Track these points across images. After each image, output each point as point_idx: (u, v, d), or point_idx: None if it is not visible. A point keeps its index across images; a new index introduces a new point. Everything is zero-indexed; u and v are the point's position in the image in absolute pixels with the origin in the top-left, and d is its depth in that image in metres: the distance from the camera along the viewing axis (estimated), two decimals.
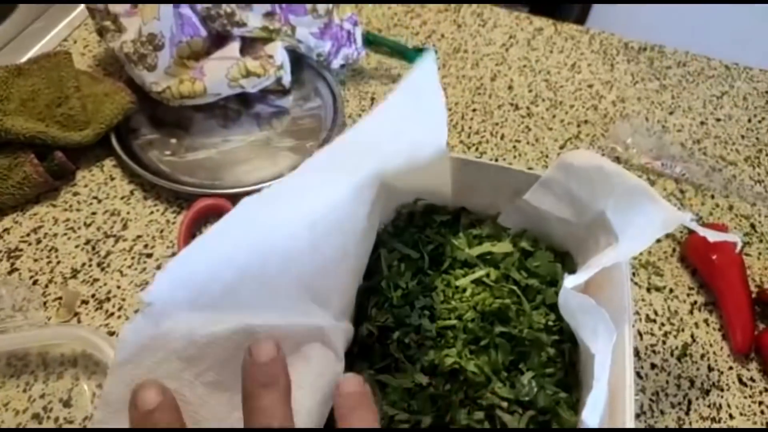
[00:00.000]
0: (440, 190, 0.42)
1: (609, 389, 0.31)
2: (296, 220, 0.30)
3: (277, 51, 0.55)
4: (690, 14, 1.55)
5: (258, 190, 0.48)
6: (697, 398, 0.41)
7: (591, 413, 0.27)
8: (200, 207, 0.47)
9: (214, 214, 0.49)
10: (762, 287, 0.47)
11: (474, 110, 0.58)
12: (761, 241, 0.50)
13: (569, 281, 0.32)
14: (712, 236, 0.33)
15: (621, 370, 0.32)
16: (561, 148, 0.55)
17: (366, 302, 0.38)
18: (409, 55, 0.61)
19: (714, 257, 0.46)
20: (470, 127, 0.57)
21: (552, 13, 0.71)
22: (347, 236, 0.34)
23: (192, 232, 0.47)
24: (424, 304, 0.37)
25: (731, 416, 0.41)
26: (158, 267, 0.45)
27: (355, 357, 0.36)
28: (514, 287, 0.38)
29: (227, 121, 0.56)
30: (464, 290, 0.38)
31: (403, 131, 0.35)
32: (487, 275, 0.38)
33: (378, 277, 0.38)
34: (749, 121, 0.60)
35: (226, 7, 0.54)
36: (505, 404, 0.33)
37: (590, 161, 0.37)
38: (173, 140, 0.54)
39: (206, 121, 0.56)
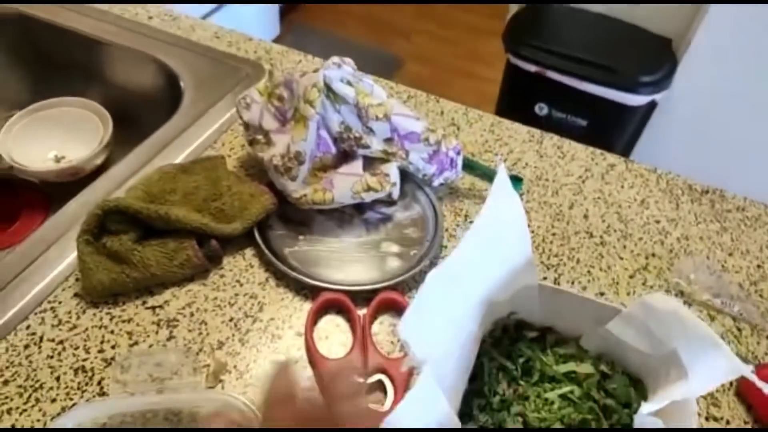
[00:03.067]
0: (531, 307, 0.50)
1: None
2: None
3: (392, 170, 0.66)
4: (726, 156, 1.67)
5: (372, 290, 0.58)
6: None
7: None
8: (323, 300, 0.57)
9: (334, 307, 0.58)
10: None
11: (554, 234, 0.67)
12: None
13: (646, 407, 0.39)
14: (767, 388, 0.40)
15: None
16: (630, 277, 0.63)
17: (470, 403, 0.45)
18: None
19: None
20: (550, 250, 0.65)
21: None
22: (467, 344, 0.43)
23: (315, 319, 0.57)
24: (518, 411, 0.44)
25: None
26: (287, 348, 0.54)
27: None
28: (594, 405, 0.45)
29: (342, 223, 0.67)
30: (552, 402, 0.45)
31: (497, 243, 0.44)
32: (572, 392, 0.46)
33: (480, 383, 0.46)
34: None
35: (355, 132, 0.65)
36: None
37: (667, 305, 0.44)
38: (300, 237, 0.64)
39: (326, 222, 0.66)
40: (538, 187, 0.73)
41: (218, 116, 0.76)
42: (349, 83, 0.66)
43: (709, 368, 0.41)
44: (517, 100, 1.85)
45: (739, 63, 1.51)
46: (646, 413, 0.39)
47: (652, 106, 1.77)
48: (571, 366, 0.47)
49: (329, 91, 0.64)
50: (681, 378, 0.43)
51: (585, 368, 0.47)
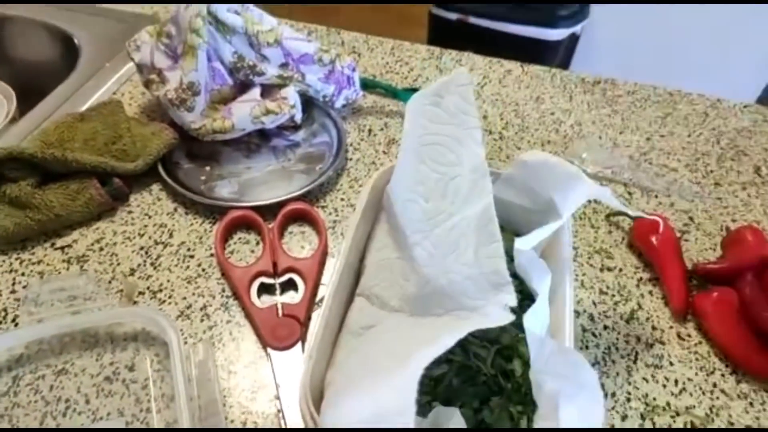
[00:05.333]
0: None
1: (554, 321, 0.40)
2: None
3: (290, 93, 0.67)
4: (668, 53, 1.73)
5: (279, 204, 0.59)
6: (642, 351, 0.50)
7: (530, 318, 0.37)
8: (231, 217, 0.58)
9: (242, 223, 0.59)
10: (696, 264, 0.57)
11: None
12: (697, 229, 0.60)
13: (519, 243, 0.42)
14: (633, 212, 0.44)
15: (562, 306, 0.42)
16: None
17: None
18: (399, 94, 0.73)
19: (653, 239, 0.56)
20: None
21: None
22: None
23: (225, 237, 0.58)
24: None
25: (671, 363, 0.50)
26: (199, 265, 0.56)
27: None
28: None
29: (250, 153, 0.68)
30: None
31: None
32: None
33: None
34: (689, 135, 0.71)
35: (249, 61, 0.66)
36: (477, 341, 0.43)
37: (539, 157, 0.47)
38: (207, 168, 0.65)
39: (233, 153, 0.67)
40: None
41: (117, 69, 0.76)
42: (236, 12, 0.66)
43: (575, 197, 0.44)
44: None
45: None
46: (520, 248, 0.42)
47: (574, 39, 1.82)
48: None
49: (218, 22, 0.65)
50: (557, 221, 0.46)
51: None
